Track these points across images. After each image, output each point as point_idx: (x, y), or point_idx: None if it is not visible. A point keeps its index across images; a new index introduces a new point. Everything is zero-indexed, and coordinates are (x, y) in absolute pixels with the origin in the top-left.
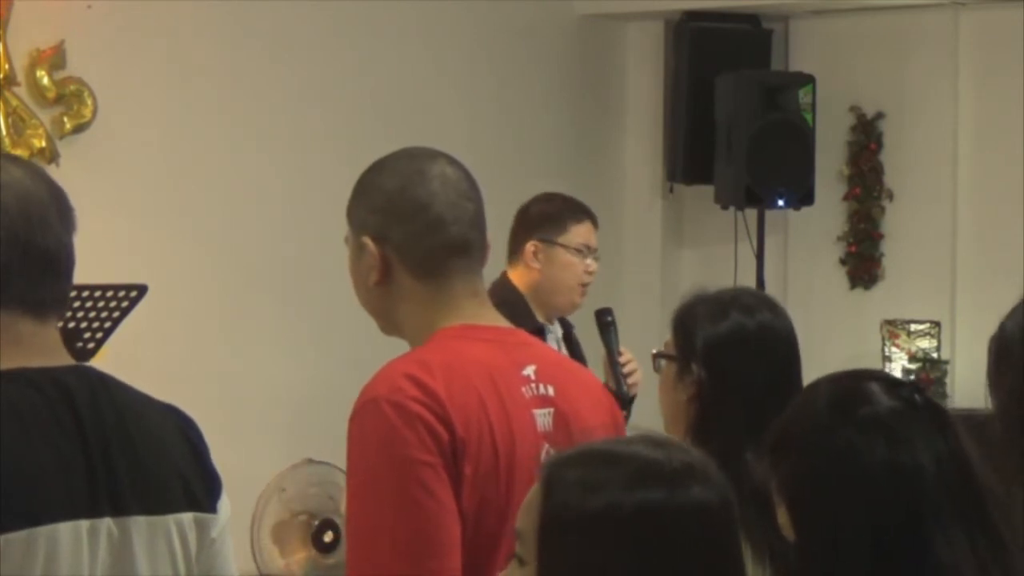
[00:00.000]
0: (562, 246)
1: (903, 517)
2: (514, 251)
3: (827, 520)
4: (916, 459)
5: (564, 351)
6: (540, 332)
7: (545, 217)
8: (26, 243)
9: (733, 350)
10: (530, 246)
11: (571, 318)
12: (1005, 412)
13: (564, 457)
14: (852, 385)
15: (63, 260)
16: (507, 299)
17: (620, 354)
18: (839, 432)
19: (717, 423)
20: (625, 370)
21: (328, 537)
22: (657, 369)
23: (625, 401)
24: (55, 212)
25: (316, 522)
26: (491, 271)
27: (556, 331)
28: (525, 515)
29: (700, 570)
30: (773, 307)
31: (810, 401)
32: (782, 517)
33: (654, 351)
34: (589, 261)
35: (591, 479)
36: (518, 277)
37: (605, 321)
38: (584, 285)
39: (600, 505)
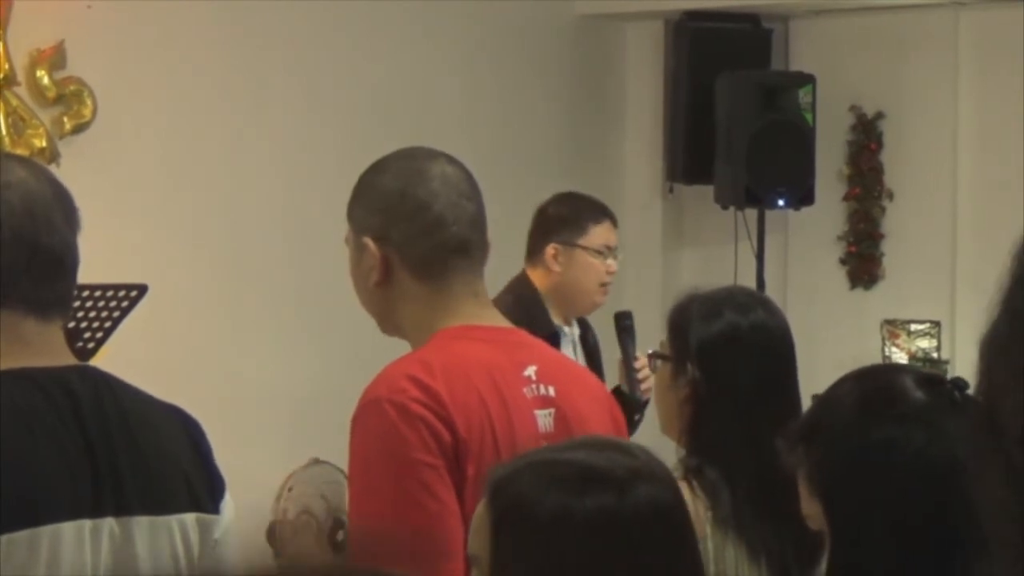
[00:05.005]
0: (582, 248)
1: (937, 511)
2: (533, 252)
3: (862, 510)
4: (952, 454)
5: (580, 353)
6: (555, 337)
7: (564, 219)
8: (31, 243)
9: (726, 350)
10: (550, 249)
11: (590, 318)
12: (983, 414)
13: (507, 469)
14: (890, 379)
15: (68, 260)
16: (523, 299)
17: (636, 359)
18: (878, 424)
19: (712, 423)
20: (640, 375)
21: (340, 536)
22: (653, 369)
23: (638, 405)
24: (60, 212)
25: (329, 523)
26: (492, 270)
27: (573, 333)
28: (476, 538)
29: (656, 569)
30: (767, 306)
31: (846, 393)
32: (808, 507)
33: (650, 351)
34: (610, 261)
35: (538, 488)
36: (538, 278)
37: (624, 325)
38: (605, 285)
39: (550, 514)
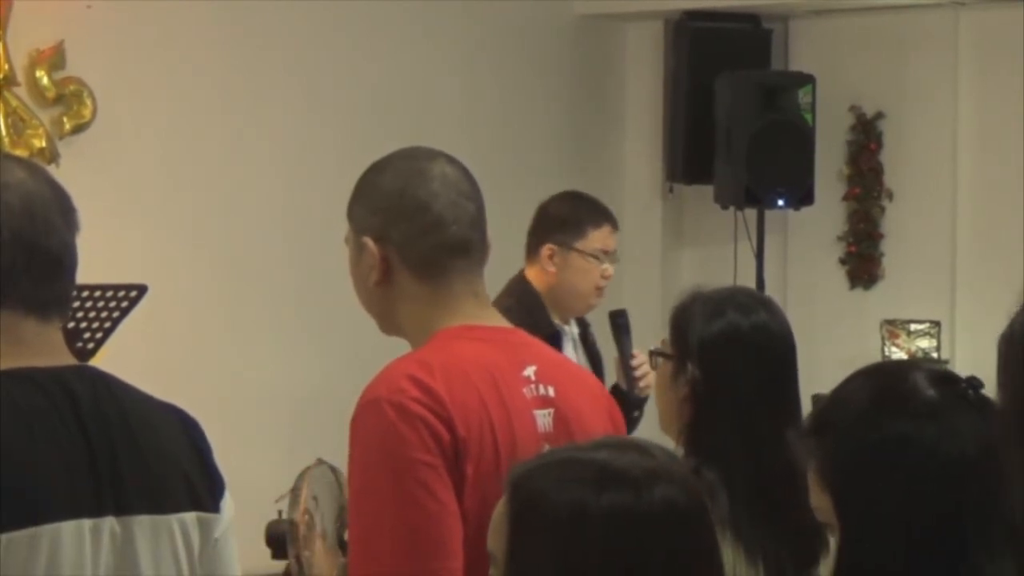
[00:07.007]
0: (578, 251)
1: (947, 509)
2: (531, 251)
3: (871, 508)
4: (965, 452)
5: (581, 351)
6: (556, 337)
7: (563, 220)
8: (30, 244)
9: (727, 350)
10: (546, 249)
11: (587, 316)
12: (1007, 411)
13: (527, 467)
14: (903, 375)
15: (67, 260)
16: (523, 299)
17: (633, 356)
18: (890, 421)
19: (711, 423)
20: (637, 373)
21: (347, 535)
22: (654, 367)
23: (636, 403)
24: (58, 212)
25: (337, 524)
26: (491, 270)
27: (572, 331)
28: (494, 535)
29: (673, 570)
30: (769, 307)
31: (858, 388)
32: (818, 500)
33: (651, 349)
34: (606, 266)
35: (556, 486)
36: (535, 277)
37: (618, 323)
38: (600, 288)
39: (567, 511)
